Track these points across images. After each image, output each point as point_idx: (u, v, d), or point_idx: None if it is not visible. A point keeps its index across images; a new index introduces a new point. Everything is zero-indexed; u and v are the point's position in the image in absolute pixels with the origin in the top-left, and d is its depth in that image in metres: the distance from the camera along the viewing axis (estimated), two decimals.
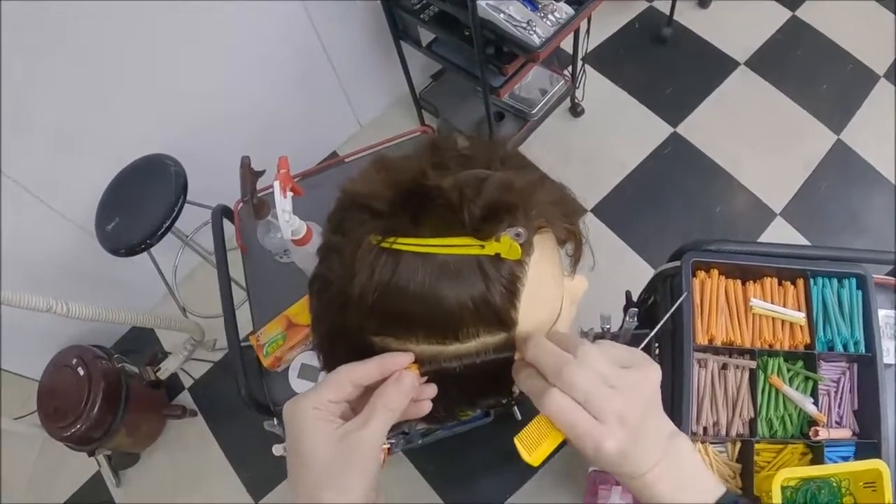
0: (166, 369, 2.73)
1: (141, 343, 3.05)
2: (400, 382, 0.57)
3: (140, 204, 2.20)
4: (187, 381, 2.99)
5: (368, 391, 0.58)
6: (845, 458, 1.45)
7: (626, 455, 0.55)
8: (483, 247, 0.54)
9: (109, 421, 2.45)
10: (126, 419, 2.52)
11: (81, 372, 2.43)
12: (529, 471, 2.55)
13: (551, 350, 0.56)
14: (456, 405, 0.68)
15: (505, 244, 0.54)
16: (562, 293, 0.68)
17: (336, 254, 0.59)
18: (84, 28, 2.01)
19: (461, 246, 0.54)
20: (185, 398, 2.97)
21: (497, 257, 0.55)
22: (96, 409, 2.38)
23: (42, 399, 2.45)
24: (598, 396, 0.54)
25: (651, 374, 0.58)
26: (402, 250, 0.54)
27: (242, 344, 1.67)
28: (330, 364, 0.60)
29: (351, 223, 0.58)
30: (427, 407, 0.60)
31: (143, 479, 2.87)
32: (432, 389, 0.60)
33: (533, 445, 0.56)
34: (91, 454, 2.61)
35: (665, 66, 3.52)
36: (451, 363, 0.58)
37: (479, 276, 0.54)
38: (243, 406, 2.66)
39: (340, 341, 0.61)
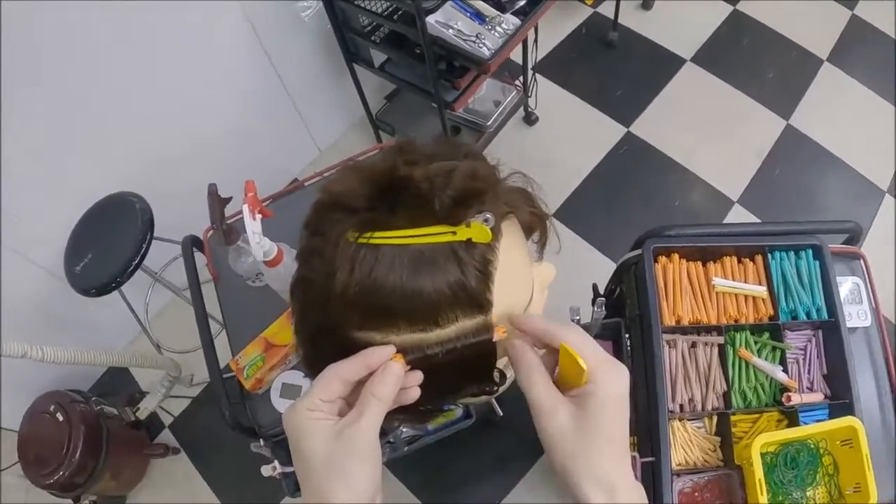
0: (145, 408, 2.70)
1: (117, 385, 3.01)
2: (386, 372, 0.58)
3: (108, 243, 2.18)
4: (167, 419, 2.96)
5: (360, 386, 0.60)
6: (820, 421, 1.49)
7: (624, 411, 0.60)
8: (455, 233, 0.57)
9: (92, 465, 2.42)
10: (109, 462, 2.48)
11: (60, 417, 2.39)
12: (517, 474, 2.58)
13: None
14: (441, 394, 0.71)
15: (475, 229, 0.57)
16: (532, 278, 0.71)
17: (316, 255, 0.61)
18: (44, 69, 2.01)
19: (435, 234, 0.57)
20: (166, 436, 2.94)
21: (469, 242, 0.57)
22: (78, 454, 2.35)
23: (23, 448, 2.40)
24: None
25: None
26: (380, 244, 0.57)
27: (225, 375, 1.67)
28: (316, 367, 0.62)
29: (328, 223, 0.60)
30: (416, 393, 0.62)
31: None
32: (418, 376, 0.61)
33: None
34: (76, 501, 2.56)
35: (614, 68, 3.60)
36: (434, 349, 0.60)
37: (454, 262, 0.57)
38: (225, 438, 2.64)
39: (324, 342, 0.63)
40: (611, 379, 0.58)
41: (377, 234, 0.57)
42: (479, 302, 0.59)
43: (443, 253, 0.57)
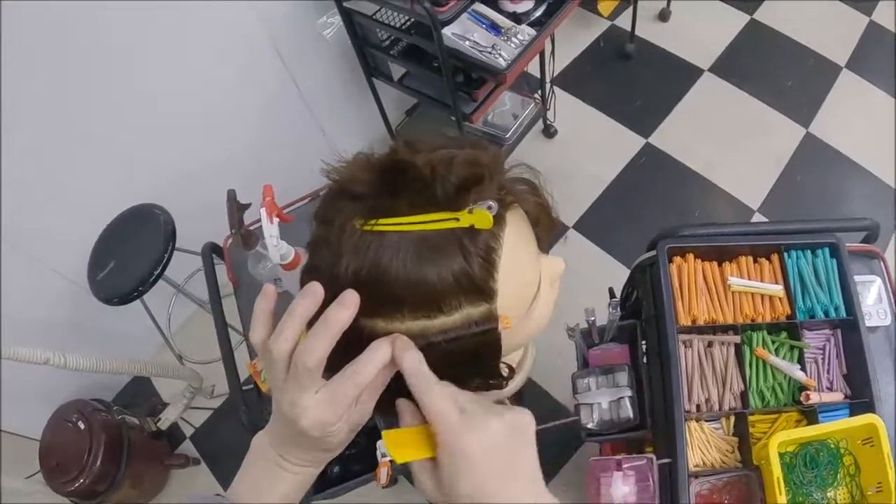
0: (166, 419, 2.73)
1: (139, 395, 3.04)
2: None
3: (130, 253, 2.22)
4: (188, 430, 2.98)
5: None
6: None
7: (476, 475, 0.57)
8: (458, 219, 0.58)
9: (113, 473, 2.44)
10: (129, 471, 2.50)
11: (82, 426, 2.42)
12: None
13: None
14: None
15: (478, 215, 0.58)
16: (538, 270, 0.71)
17: (323, 243, 0.62)
18: (68, 78, 2.05)
19: (438, 220, 0.58)
20: (187, 447, 2.96)
21: (472, 230, 0.58)
22: (99, 463, 2.37)
23: (44, 455, 2.43)
24: (465, 399, 0.59)
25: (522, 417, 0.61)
26: (384, 231, 0.58)
27: (245, 388, 1.70)
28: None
29: (334, 212, 0.62)
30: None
31: None
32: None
33: (399, 445, 0.59)
34: None
35: (632, 80, 3.62)
36: (438, 337, 0.61)
37: (458, 249, 0.58)
38: (246, 449, 2.65)
39: None
40: (458, 452, 0.56)
41: (381, 221, 0.58)
42: (482, 290, 0.60)
43: (446, 240, 0.58)
